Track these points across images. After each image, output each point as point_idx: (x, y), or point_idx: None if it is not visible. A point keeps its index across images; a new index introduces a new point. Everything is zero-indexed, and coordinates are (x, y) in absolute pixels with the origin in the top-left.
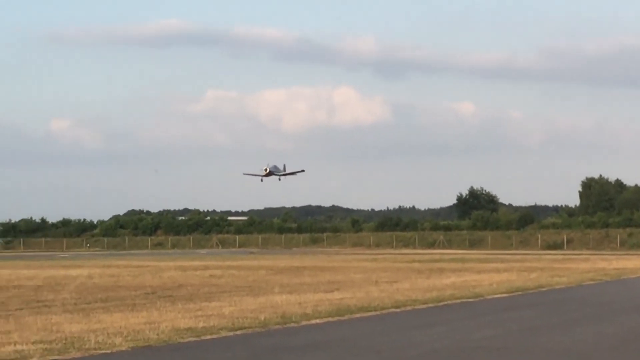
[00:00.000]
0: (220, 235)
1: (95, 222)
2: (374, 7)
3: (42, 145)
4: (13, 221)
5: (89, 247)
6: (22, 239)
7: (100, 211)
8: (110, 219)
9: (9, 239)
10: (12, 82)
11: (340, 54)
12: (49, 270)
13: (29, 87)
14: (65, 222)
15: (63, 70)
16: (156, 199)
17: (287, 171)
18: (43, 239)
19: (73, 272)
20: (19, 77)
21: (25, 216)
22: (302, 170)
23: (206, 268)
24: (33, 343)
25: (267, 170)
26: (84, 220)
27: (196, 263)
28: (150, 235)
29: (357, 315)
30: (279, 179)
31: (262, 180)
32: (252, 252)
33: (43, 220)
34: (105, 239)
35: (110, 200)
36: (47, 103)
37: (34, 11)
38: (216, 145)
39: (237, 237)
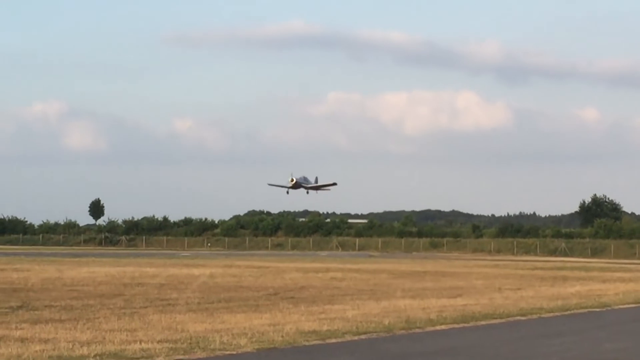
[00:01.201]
0: (340, 238)
1: (216, 222)
2: (498, 12)
3: (165, 145)
4: (136, 219)
5: (209, 246)
6: (144, 237)
7: (221, 211)
8: (231, 219)
9: (131, 236)
10: (137, 83)
11: (463, 58)
12: (171, 268)
13: (154, 88)
14: (187, 221)
15: (187, 71)
16: (276, 200)
17: (319, 183)
18: (165, 238)
19: (195, 271)
20: (143, 78)
21: (148, 215)
22: (334, 184)
23: (327, 270)
24: (158, 342)
25: (294, 182)
26: (205, 219)
27: (317, 265)
28: (270, 236)
29: (482, 322)
30: (307, 192)
31: (288, 192)
32: (371, 255)
33: (165, 219)
34: (226, 239)
35: (231, 201)
36: (170, 104)
37: (159, 13)
38: (337, 148)
39: (356, 240)
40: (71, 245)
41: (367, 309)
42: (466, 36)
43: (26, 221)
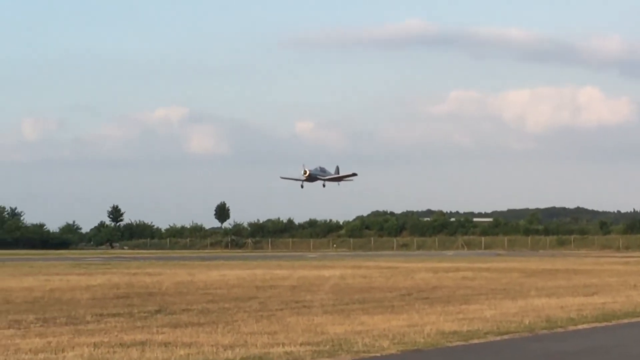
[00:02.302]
0: (465, 237)
1: (340, 223)
2: (621, 6)
3: (286, 147)
4: (261, 222)
5: (335, 247)
6: (269, 239)
7: (345, 212)
8: (355, 219)
9: (257, 239)
10: (257, 86)
11: (584, 54)
12: (300, 270)
13: (274, 91)
14: (312, 223)
15: (306, 73)
16: (399, 200)
17: (339, 174)
18: (290, 240)
19: (325, 272)
20: (264, 81)
21: (273, 217)
22: (354, 174)
23: (457, 270)
24: (301, 344)
25: (307, 174)
26: (330, 221)
27: (445, 264)
28: (395, 236)
29: (625, 320)
30: (324, 185)
31: (302, 186)
32: (498, 254)
33: (290, 221)
34: (351, 240)
35: (354, 201)
36: (291, 106)
37: (277, 16)
38: (459, 146)
39: (482, 238)
40: (198, 249)
41: (504, 309)
42: (587, 31)
43: (153, 225)
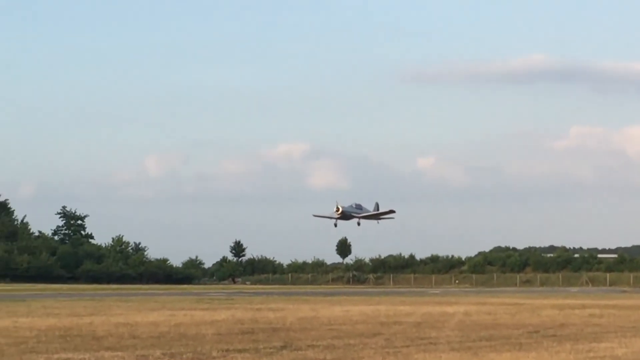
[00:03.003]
0: (589, 273)
1: (462, 259)
2: None
3: (407, 183)
4: (382, 257)
5: (457, 283)
6: (391, 275)
7: (466, 247)
8: (477, 255)
9: (378, 274)
10: (377, 122)
11: None
12: (424, 306)
13: (394, 126)
14: (434, 259)
15: (427, 108)
16: (520, 236)
17: (377, 211)
18: (412, 275)
19: (449, 308)
20: (385, 116)
21: (394, 252)
22: (393, 211)
23: (583, 307)
24: None
25: (340, 211)
26: (452, 256)
27: (571, 301)
28: (518, 272)
29: None
30: (358, 223)
31: (335, 224)
32: (624, 291)
33: (411, 257)
34: (474, 276)
35: (475, 237)
36: (411, 141)
37: (399, 51)
38: (581, 181)
39: (607, 275)
40: (319, 284)
41: (635, 347)
42: None
43: (275, 261)
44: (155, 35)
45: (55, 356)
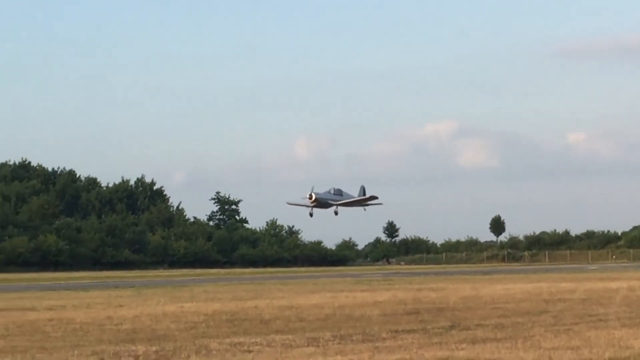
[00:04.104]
0: None
1: (619, 234)
2: None
3: (558, 159)
4: (537, 234)
5: (614, 258)
6: (546, 252)
7: (621, 222)
8: (633, 229)
9: (533, 251)
10: (526, 98)
11: None
12: (585, 283)
13: (544, 102)
14: (589, 234)
15: (577, 83)
16: None
17: (358, 197)
18: (568, 252)
19: (612, 284)
20: (533, 93)
21: (549, 229)
22: (374, 197)
23: None
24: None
25: (313, 198)
26: (608, 231)
27: None
28: None
29: None
30: (336, 212)
31: (311, 214)
32: None
33: (566, 233)
34: (631, 251)
35: (630, 211)
36: (561, 117)
37: (548, 26)
38: None
39: None
40: (474, 263)
41: None
42: None
43: (429, 240)
44: (307, 19)
45: (227, 340)
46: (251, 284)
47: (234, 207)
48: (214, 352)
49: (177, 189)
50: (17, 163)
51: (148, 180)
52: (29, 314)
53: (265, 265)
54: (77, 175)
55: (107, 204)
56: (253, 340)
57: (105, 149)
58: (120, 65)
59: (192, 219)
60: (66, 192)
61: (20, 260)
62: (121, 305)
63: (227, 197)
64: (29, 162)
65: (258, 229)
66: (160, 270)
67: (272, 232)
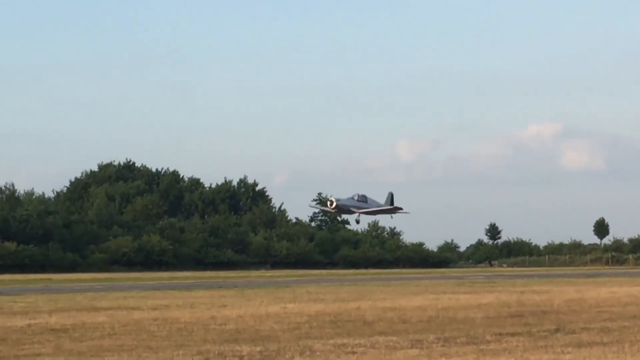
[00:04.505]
0: None
1: None
2: None
3: None
4: None
5: None
6: None
7: None
8: None
9: (638, 254)
10: (633, 98)
11: None
12: None
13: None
14: None
15: None
16: None
17: (382, 207)
18: None
19: None
20: (639, 93)
21: None
22: (399, 208)
23: None
24: None
25: (334, 205)
26: None
27: None
28: None
29: None
30: (357, 221)
31: (357, 221)
32: None
33: None
34: None
35: None
36: None
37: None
38: None
39: None
40: (577, 265)
41: None
42: None
43: (531, 243)
44: (411, 19)
45: (331, 341)
46: (353, 285)
47: None
48: (318, 353)
49: (279, 190)
50: (121, 164)
51: (250, 181)
52: (134, 313)
53: (366, 267)
54: (181, 176)
55: (210, 205)
56: (357, 341)
57: (208, 150)
58: (221, 67)
59: (294, 220)
60: (170, 192)
61: (125, 260)
62: (225, 305)
63: (328, 198)
64: (134, 163)
65: (360, 231)
66: (263, 271)
67: (373, 233)
